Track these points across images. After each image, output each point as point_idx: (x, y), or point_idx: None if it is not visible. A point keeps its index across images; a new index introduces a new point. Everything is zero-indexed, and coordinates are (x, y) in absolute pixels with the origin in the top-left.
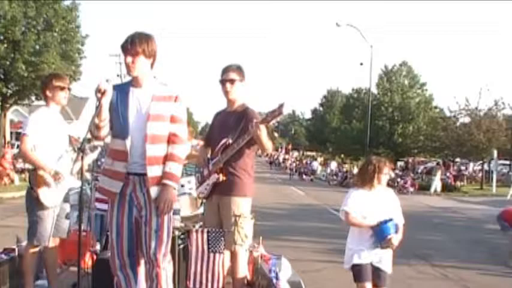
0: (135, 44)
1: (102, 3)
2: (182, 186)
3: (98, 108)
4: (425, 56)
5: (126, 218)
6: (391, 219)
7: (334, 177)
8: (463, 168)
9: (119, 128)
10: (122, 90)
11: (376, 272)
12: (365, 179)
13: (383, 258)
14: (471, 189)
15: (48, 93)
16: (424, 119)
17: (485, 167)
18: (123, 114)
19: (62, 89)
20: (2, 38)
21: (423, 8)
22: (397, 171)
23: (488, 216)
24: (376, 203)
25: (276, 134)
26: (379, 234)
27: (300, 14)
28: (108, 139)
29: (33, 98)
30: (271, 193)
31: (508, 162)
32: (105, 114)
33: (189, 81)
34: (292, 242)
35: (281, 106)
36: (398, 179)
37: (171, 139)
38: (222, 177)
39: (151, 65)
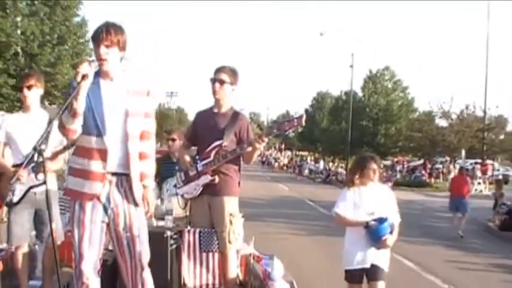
0: (111, 34)
1: (97, 4)
2: (175, 186)
3: (76, 90)
4: (412, 58)
5: (99, 223)
6: (385, 219)
7: (319, 174)
8: (440, 166)
9: (93, 124)
10: (91, 83)
11: (372, 268)
12: (353, 176)
13: (379, 256)
14: (443, 185)
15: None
16: (405, 121)
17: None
18: (98, 109)
19: (29, 87)
20: (21, 51)
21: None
22: None
23: (440, 207)
24: (369, 200)
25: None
26: (374, 235)
27: (295, 18)
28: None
29: (46, 103)
30: (258, 188)
31: (480, 160)
32: (84, 99)
33: (183, 81)
34: (267, 222)
35: (301, 117)
36: None
37: (143, 135)
38: (217, 179)
39: (121, 58)
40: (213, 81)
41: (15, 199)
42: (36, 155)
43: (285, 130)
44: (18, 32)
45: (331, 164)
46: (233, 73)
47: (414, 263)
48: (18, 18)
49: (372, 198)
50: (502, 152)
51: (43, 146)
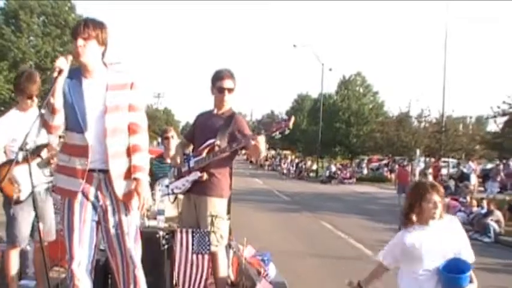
0: (89, 28)
1: (93, 5)
2: (167, 186)
3: (53, 85)
4: (384, 63)
5: (89, 222)
6: (468, 267)
7: (293, 171)
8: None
9: (75, 121)
10: (72, 79)
11: None
12: (408, 212)
13: None
14: None
15: (18, 93)
16: (375, 123)
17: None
18: (79, 105)
19: (29, 97)
20: (35, 66)
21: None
22: (339, 166)
23: (384, 197)
24: (432, 244)
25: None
26: (450, 285)
27: (278, 22)
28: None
29: None
30: (236, 182)
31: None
32: (60, 94)
33: (169, 82)
34: (239, 204)
35: (288, 120)
36: (339, 172)
37: (131, 129)
38: (205, 176)
39: (103, 54)
40: (223, 90)
41: (23, 196)
42: (21, 154)
43: (272, 131)
44: (32, 49)
45: (309, 162)
46: (234, 76)
47: (332, 225)
48: (32, 38)
49: (437, 241)
50: (452, 151)
51: (31, 144)
